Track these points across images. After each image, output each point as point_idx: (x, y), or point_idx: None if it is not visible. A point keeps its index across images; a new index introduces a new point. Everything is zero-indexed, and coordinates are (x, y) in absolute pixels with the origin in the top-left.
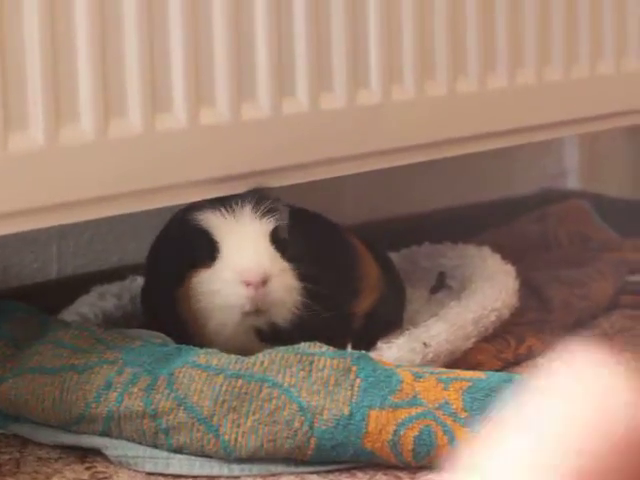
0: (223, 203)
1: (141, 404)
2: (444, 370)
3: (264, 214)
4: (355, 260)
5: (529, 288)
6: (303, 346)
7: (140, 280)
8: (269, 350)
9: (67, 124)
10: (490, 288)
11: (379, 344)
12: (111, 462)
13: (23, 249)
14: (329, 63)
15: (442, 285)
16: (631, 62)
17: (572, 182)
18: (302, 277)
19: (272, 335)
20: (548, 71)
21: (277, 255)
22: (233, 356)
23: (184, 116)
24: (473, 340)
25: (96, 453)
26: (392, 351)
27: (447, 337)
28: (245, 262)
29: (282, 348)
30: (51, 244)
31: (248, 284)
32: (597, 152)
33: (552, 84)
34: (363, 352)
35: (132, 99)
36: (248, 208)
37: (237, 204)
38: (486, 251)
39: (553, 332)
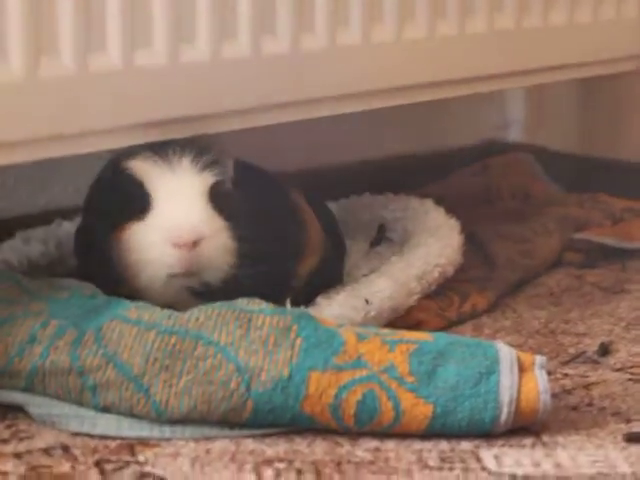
0: (161, 152)
1: (67, 359)
2: (389, 331)
3: (204, 167)
4: (299, 220)
5: (472, 244)
6: (241, 302)
7: (66, 225)
8: (205, 306)
9: None
10: (434, 243)
11: (319, 299)
12: (34, 420)
13: None
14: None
15: (382, 238)
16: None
17: (516, 134)
18: (239, 237)
19: (206, 293)
20: (526, 17)
21: (213, 213)
22: (166, 311)
23: (119, 57)
24: (416, 297)
25: (17, 410)
26: (332, 308)
27: (390, 294)
28: (176, 221)
29: (218, 304)
30: None
31: (178, 245)
32: (542, 104)
33: (530, 30)
34: (304, 310)
35: (64, 38)
36: (187, 160)
37: (175, 154)
38: (429, 204)
39: (497, 290)
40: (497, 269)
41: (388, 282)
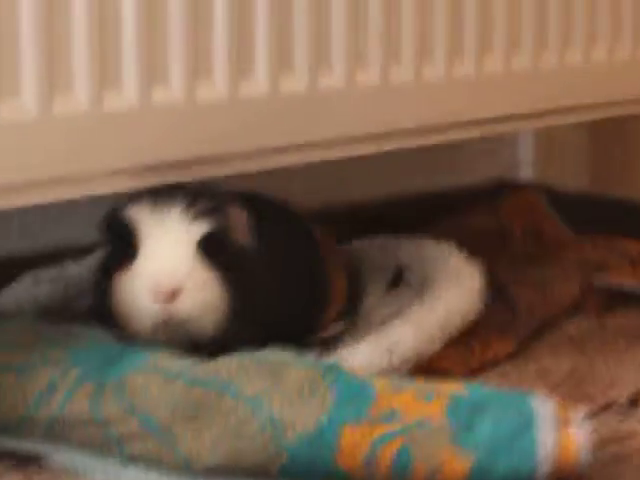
0: (158, 197)
1: (87, 411)
2: (422, 383)
3: (197, 215)
4: (323, 267)
5: (491, 288)
6: (266, 353)
7: (76, 266)
8: (230, 356)
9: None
10: (455, 288)
11: (340, 349)
12: (54, 472)
13: None
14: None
15: (400, 280)
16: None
17: (526, 173)
18: (235, 290)
19: (199, 345)
20: (543, 57)
21: (201, 265)
22: (191, 360)
23: (135, 94)
24: (439, 345)
25: (37, 461)
26: (356, 357)
27: (413, 342)
28: (156, 270)
29: (243, 355)
30: None
31: (155, 294)
32: (553, 143)
33: (546, 71)
34: (333, 361)
35: (79, 74)
36: (179, 207)
37: (170, 201)
38: (448, 247)
39: (518, 336)
40: (518, 315)
41: (411, 330)
